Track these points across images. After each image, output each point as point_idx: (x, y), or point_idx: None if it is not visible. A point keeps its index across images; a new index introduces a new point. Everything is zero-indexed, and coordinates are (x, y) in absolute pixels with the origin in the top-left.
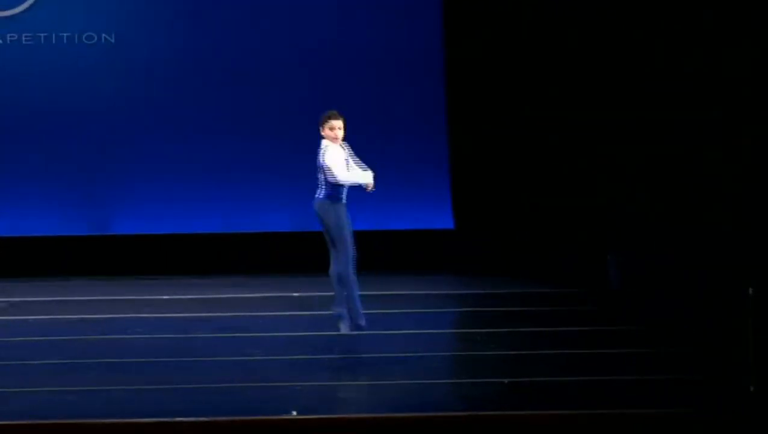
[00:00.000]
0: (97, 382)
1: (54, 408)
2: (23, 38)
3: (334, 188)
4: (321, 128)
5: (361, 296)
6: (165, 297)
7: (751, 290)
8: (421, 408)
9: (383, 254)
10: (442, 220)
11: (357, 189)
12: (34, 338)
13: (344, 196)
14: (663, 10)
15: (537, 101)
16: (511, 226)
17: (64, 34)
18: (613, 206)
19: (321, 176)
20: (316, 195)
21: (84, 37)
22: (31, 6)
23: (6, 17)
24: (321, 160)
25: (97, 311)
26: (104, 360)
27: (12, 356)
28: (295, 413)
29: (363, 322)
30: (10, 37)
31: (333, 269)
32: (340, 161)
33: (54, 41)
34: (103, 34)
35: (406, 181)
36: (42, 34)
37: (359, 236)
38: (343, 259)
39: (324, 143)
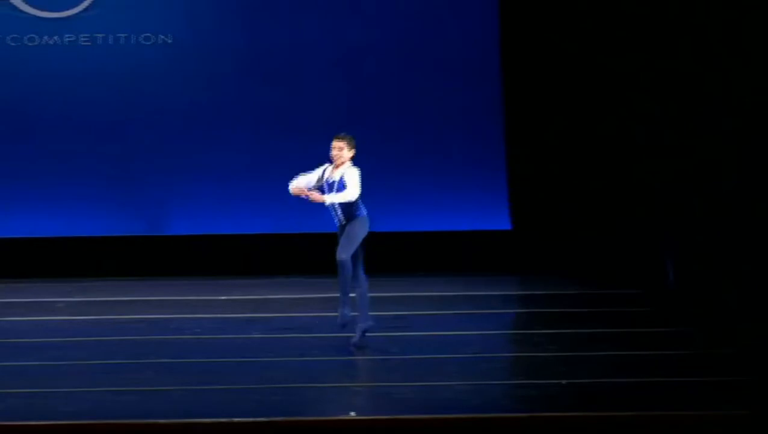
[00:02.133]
0: (156, 382)
1: (113, 408)
2: (80, 39)
3: None
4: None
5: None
6: (223, 298)
7: None
8: (479, 409)
9: (441, 255)
10: (500, 221)
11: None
12: (94, 338)
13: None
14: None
15: (594, 102)
16: (568, 226)
17: (122, 35)
18: (671, 208)
19: None
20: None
21: (141, 37)
22: (89, 7)
23: (63, 18)
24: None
25: (156, 311)
26: (163, 360)
27: (71, 356)
28: (353, 414)
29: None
30: (68, 38)
31: None
32: None
33: (111, 42)
34: (160, 35)
35: (464, 182)
36: (99, 35)
37: (416, 237)
38: None
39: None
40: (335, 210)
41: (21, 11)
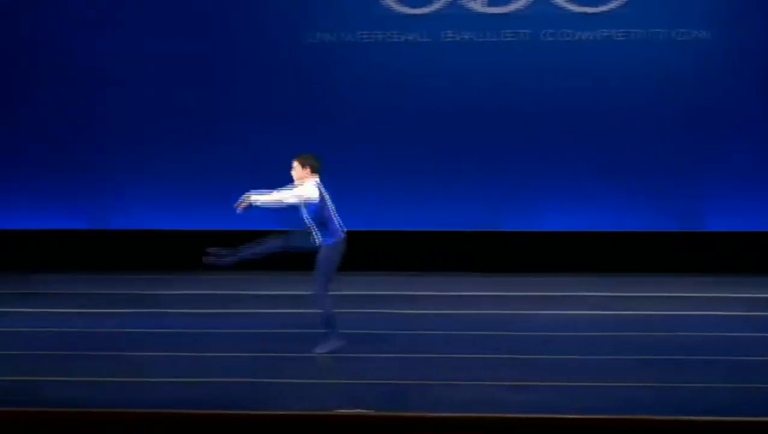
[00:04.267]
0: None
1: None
2: (615, 34)
3: None
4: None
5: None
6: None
7: None
8: None
9: None
10: None
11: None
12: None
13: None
14: None
15: None
16: None
17: (657, 30)
18: None
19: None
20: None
21: (674, 33)
22: (626, 3)
23: (600, 14)
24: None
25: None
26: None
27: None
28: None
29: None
30: (602, 33)
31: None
32: None
33: (647, 37)
34: (695, 31)
35: None
36: (634, 30)
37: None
38: None
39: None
40: (315, 231)
41: (561, 8)
